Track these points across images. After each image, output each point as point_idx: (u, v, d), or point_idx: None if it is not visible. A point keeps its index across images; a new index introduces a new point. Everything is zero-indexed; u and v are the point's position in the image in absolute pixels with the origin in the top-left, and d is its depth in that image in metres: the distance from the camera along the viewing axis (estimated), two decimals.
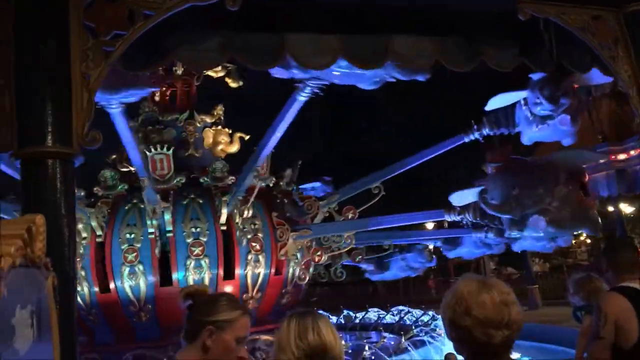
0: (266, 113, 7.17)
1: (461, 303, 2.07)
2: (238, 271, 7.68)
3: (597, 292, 4.61)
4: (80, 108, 3.52)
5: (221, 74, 9.04)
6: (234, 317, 2.48)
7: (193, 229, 7.54)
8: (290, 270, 8.30)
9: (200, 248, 7.46)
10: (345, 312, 12.41)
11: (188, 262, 7.44)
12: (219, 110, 9.15)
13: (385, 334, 9.89)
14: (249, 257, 7.67)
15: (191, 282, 7.37)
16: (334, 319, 11.44)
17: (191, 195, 7.77)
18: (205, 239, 7.53)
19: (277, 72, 5.25)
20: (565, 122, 6.51)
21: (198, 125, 8.78)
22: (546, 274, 24.31)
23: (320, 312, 2.61)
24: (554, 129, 6.63)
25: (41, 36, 3.52)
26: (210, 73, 8.99)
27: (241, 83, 8.76)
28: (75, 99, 3.52)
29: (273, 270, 7.95)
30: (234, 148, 8.83)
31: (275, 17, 4.36)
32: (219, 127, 8.93)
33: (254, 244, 7.71)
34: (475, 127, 7.75)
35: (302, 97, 6.11)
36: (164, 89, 9.04)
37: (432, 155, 8.53)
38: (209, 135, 8.76)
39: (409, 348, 8.83)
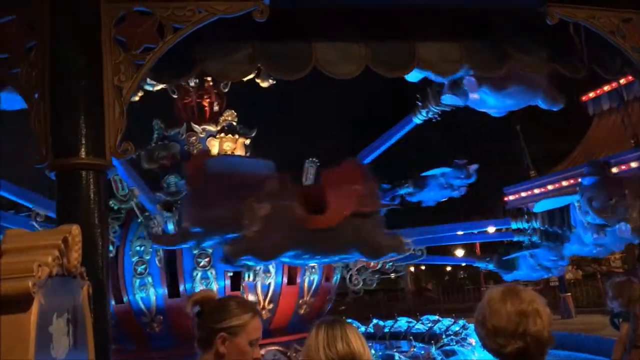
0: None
1: (480, 312, 2.08)
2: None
3: (636, 300, 4.51)
4: (112, 120, 3.60)
5: (250, 76, 9.02)
6: (245, 320, 2.46)
7: None
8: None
9: (207, 259, 7.49)
10: (374, 320, 12.34)
11: (194, 274, 7.51)
12: (227, 117, 9.00)
13: (415, 343, 9.80)
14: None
15: None
16: (363, 328, 11.39)
17: None
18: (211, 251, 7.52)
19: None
20: (471, 85, 5.49)
21: (201, 135, 8.79)
22: (579, 282, 23.78)
23: (349, 320, 2.59)
24: (481, 98, 5.60)
25: (75, 51, 3.62)
26: None
27: (272, 82, 8.52)
28: (108, 111, 3.60)
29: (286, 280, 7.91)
30: (238, 154, 8.72)
31: (302, 26, 4.40)
32: (222, 134, 8.78)
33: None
34: (420, 103, 6.79)
35: None
36: (195, 99, 9.13)
37: (382, 148, 8.01)
38: (213, 144, 8.71)
39: (439, 357, 8.74)
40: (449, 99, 5.77)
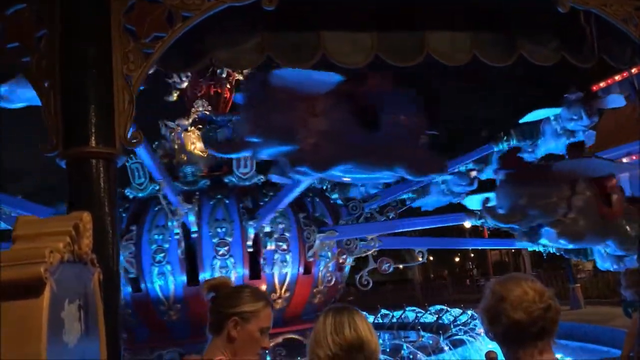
0: None
1: (486, 299, 2.13)
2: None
3: None
4: (122, 109, 3.61)
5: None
6: (257, 308, 2.53)
7: (219, 229, 7.64)
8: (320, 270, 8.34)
9: (226, 248, 7.55)
10: (382, 311, 12.38)
11: (214, 262, 7.56)
12: (198, 108, 9.07)
13: (423, 333, 9.82)
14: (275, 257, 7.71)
15: None
16: (371, 318, 11.40)
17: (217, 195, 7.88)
18: (230, 239, 7.61)
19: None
20: None
21: (178, 130, 8.82)
22: (588, 273, 23.68)
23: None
24: None
25: (85, 40, 3.63)
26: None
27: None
28: (117, 100, 3.62)
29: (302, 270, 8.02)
30: (199, 146, 8.79)
31: (311, 15, 4.38)
32: (193, 127, 8.89)
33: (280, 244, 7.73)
34: None
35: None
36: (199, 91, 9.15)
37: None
38: (187, 139, 8.80)
39: (448, 347, 8.76)
40: None
